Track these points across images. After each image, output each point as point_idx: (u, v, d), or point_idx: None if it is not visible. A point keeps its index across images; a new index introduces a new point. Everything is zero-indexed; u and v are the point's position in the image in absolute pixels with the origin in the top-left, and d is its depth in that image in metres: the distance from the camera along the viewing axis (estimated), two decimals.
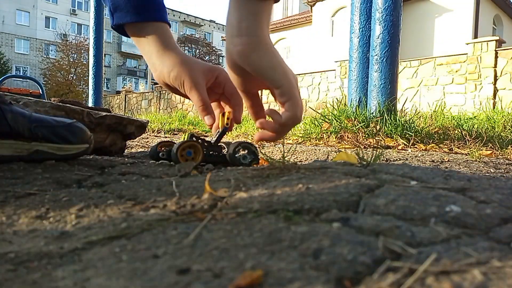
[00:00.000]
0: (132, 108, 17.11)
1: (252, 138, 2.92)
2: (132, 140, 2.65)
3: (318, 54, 16.45)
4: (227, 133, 0.92)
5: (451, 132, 2.29)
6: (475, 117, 3.06)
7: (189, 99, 0.83)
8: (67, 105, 1.09)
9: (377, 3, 2.42)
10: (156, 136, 3.82)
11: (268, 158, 0.82)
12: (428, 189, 0.55)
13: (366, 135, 2.15)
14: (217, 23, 44.94)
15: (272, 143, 2.51)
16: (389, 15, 2.38)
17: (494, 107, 4.12)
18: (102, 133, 1.14)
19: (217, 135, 0.90)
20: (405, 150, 1.91)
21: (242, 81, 0.74)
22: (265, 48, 0.69)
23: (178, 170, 0.78)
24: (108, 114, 1.16)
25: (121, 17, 0.80)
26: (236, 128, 3.95)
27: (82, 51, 29.01)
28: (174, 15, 41.12)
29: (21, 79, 29.56)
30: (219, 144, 0.93)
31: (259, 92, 0.82)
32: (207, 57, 36.22)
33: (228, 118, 0.87)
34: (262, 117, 0.78)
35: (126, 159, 1.04)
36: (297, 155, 1.58)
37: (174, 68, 0.80)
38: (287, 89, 0.70)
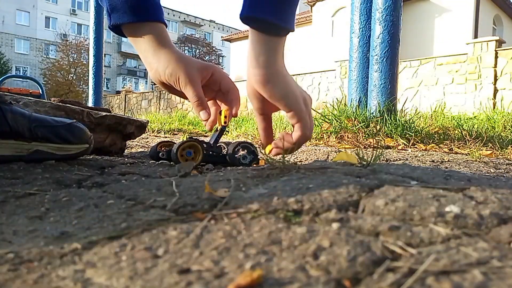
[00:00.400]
0: (132, 108, 17.11)
1: (252, 138, 2.91)
2: (132, 140, 2.65)
3: (318, 54, 16.45)
4: (225, 132, 0.93)
5: (451, 132, 2.29)
6: (475, 117, 3.06)
7: (186, 98, 0.85)
8: (67, 105, 1.09)
9: (377, 3, 2.42)
10: (156, 136, 3.82)
11: (268, 158, 0.82)
12: (428, 189, 0.55)
13: (366, 135, 2.15)
14: (217, 23, 44.94)
15: None
16: (389, 15, 2.38)
17: (494, 107, 4.12)
18: (102, 133, 1.14)
19: (216, 135, 0.90)
20: (405, 150, 1.91)
21: (260, 104, 0.84)
22: (279, 78, 0.79)
23: (178, 170, 0.78)
24: (108, 114, 1.16)
25: (118, 18, 0.81)
26: (236, 128, 3.95)
27: (82, 51, 29.01)
28: (174, 15, 41.12)
29: (21, 79, 29.56)
30: (219, 144, 0.93)
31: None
32: (207, 57, 36.21)
33: (225, 117, 0.87)
34: (272, 140, 0.88)
35: (126, 159, 1.04)
36: (297, 155, 1.58)
37: (169, 65, 0.82)
38: (297, 113, 0.80)
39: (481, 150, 1.81)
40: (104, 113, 1.14)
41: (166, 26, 0.88)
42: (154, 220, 0.46)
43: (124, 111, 17.24)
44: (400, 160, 1.45)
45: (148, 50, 0.84)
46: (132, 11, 0.81)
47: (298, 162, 1.10)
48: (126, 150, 1.68)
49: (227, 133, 3.99)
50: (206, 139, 0.91)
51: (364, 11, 2.56)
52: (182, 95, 0.86)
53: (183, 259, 0.34)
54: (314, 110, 2.82)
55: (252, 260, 0.33)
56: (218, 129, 0.90)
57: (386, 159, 1.46)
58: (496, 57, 8.21)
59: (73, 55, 29.71)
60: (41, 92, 6.33)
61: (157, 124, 4.75)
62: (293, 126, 0.82)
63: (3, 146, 0.83)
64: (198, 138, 0.90)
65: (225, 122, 0.87)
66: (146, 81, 34.85)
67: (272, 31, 0.74)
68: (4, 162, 0.82)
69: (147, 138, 3.19)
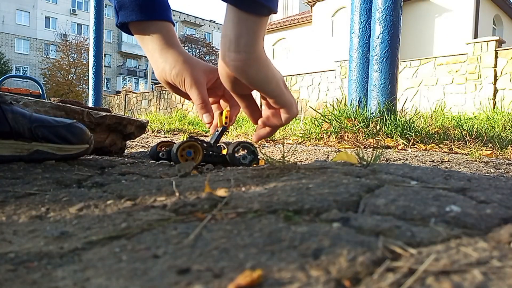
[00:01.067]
0: (132, 108, 17.11)
1: (252, 138, 2.91)
2: (132, 140, 2.65)
3: (318, 54, 16.45)
4: (226, 132, 0.93)
5: (451, 132, 2.29)
6: (475, 117, 3.06)
7: (189, 99, 0.84)
8: (67, 105, 1.09)
9: (377, 3, 2.42)
10: (156, 136, 3.82)
11: (268, 158, 0.82)
12: (428, 189, 0.55)
13: (366, 135, 2.15)
14: (217, 23, 44.93)
15: (272, 143, 2.51)
16: (389, 15, 2.38)
17: (494, 107, 4.12)
18: (102, 133, 1.14)
19: (216, 135, 0.90)
20: (405, 150, 1.91)
21: (234, 86, 0.77)
22: (261, 63, 0.73)
23: (178, 170, 0.78)
24: (108, 114, 1.16)
25: (126, 16, 0.81)
26: (236, 128, 3.95)
27: (82, 51, 29.00)
28: (174, 15, 41.05)
29: (21, 79, 29.56)
30: (219, 144, 0.93)
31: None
32: (207, 57, 36.19)
33: (226, 117, 0.87)
34: (259, 116, 0.82)
35: (126, 159, 1.04)
36: (297, 155, 1.58)
37: (176, 66, 0.81)
38: (280, 98, 0.76)
39: (481, 150, 1.81)
40: (104, 113, 1.15)
41: (174, 26, 0.88)
42: (154, 220, 0.46)
43: (124, 111, 17.24)
44: (400, 160, 1.45)
45: (155, 49, 0.83)
46: (140, 9, 0.81)
47: (298, 162, 1.10)
48: (126, 150, 1.67)
49: (227, 133, 3.99)
50: (206, 139, 0.91)
51: (364, 11, 2.56)
52: (186, 96, 0.85)
53: (183, 259, 0.34)
54: (314, 110, 2.82)
55: (252, 260, 0.33)
56: (219, 129, 0.90)
57: (386, 159, 1.46)
58: (496, 57, 8.20)
59: (73, 55, 29.70)
60: (41, 92, 6.33)
61: (157, 124, 4.75)
62: (276, 110, 0.78)
63: (3, 146, 0.83)
64: (198, 138, 0.90)
65: (226, 123, 0.87)
66: (146, 81, 34.82)
67: (254, 9, 0.67)
68: (4, 162, 0.82)
69: (147, 138, 3.19)
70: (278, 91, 0.76)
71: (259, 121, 0.80)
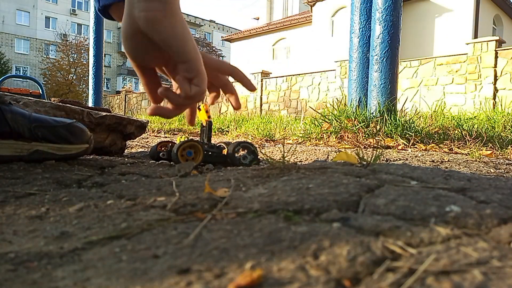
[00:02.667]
0: (132, 108, 17.10)
1: (252, 138, 2.91)
2: (132, 140, 2.65)
3: (318, 54, 16.45)
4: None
5: (451, 132, 2.29)
6: (475, 117, 3.06)
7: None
8: (67, 105, 1.09)
9: (377, 3, 2.42)
10: (156, 136, 3.82)
11: (268, 158, 0.82)
12: (428, 189, 0.55)
13: (366, 135, 2.15)
14: (217, 23, 44.93)
15: (272, 143, 2.51)
16: (389, 15, 2.38)
17: (494, 107, 4.12)
18: (102, 133, 1.14)
19: (205, 132, 0.90)
20: (405, 150, 1.91)
21: (140, 54, 0.66)
22: (178, 16, 0.63)
23: (178, 170, 0.78)
24: (108, 114, 1.16)
25: None
26: (236, 128, 3.94)
27: (82, 51, 28.99)
28: None
29: (21, 79, 29.56)
30: (219, 144, 0.93)
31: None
32: None
33: (207, 112, 0.87)
34: (159, 98, 0.69)
35: (126, 159, 1.04)
36: (297, 155, 1.58)
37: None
38: (195, 64, 0.65)
39: (481, 150, 1.81)
40: (104, 113, 1.14)
41: None
42: (154, 220, 0.46)
43: (124, 111, 17.24)
44: (400, 160, 1.45)
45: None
46: None
47: (298, 162, 1.10)
48: (126, 150, 1.67)
49: (227, 133, 3.99)
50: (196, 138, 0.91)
51: (364, 11, 2.56)
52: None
53: (183, 259, 0.34)
54: (314, 110, 2.82)
55: (252, 260, 0.33)
56: (205, 125, 0.89)
57: (386, 159, 1.46)
58: (496, 57, 8.20)
59: (73, 55, 29.68)
60: (41, 92, 6.33)
61: (157, 124, 4.75)
62: (187, 81, 0.65)
63: (3, 146, 0.83)
64: (192, 138, 0.90)
65: (209, 117, 0.87)
66: None
67: None
68: (4, 162, 0.82)
69: (147, 138, 3.19)
70: (194, 54, 0.65)
71: (159, 90, 0.65)
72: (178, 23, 0.63)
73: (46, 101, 1.07)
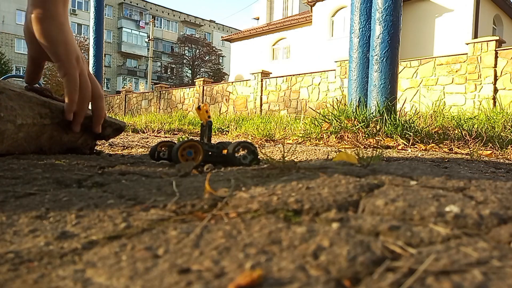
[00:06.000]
0: (132, 108, 17.11)
1: (252, 138, 2.91)
2: (132, 140, 2.65)
3: (318, 54, 16.45)
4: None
5: (451, 132, 2.29)
6: (475, 117, 3.06)
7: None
8: (53, 102, 1.03)
9: (377, 3, 2.42)
10: (156, 136, 3.82)
11: (268, 158, 0.82)
12: (428, 189, 0.55)
13: (366, 135, 2.15)
14: (217, 23, 44.93)
15: (272, 143, 2.51)
16: (389, 15, 2.38)
17: (494, 107, 4.12)
18: (77, 133, 1.07)
19: (206, 132, 0.90)
20: (405, 150, 1.91)
21: (34, 48, 0.82)
22: (55, 23, 0.79)
23: (178, 170, 0.78)
24: (89, 114, 1.10)
25: None
26: (236, 128, 3.94)
27: (82, 51, 28.98)
28: (174, 15, 41.10)
29: (21, 79, 29.54)
30: (218, 144, 0.93)
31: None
32: (207, 57, 36.18)
33: (207, 112, 0.87)
34: (36, 81, 0.92)
35: (126, 159, 1.04)
36: (297, 155, 1.58)
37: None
38: (64, 65, 0.81)
39: (481, 150, 1.81)
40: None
41: None
42: (154, 220, 0.46)
43: (125, 111, 17.24)
44: (400, 160, 1.45)
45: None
46: None
47: (298, 162, 1.10)
48: (126, 150, 1.68)
49: (227, 133, 3.99)
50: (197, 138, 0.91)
51: (364, 11, 2.56)
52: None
53: (183, 259, 0.34)
54: (314, 110, 2.82)
55: (252, 260, 0.33)
56: (205, 125, 0.89)
57: (386, 159, 1.46)
58: (496, 57, 8.20)
59: None
60: None
61: (157, 124, 4.75)
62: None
63: None
64: (192, 138, 0.90)
65: (209, 117, 0.87)
66: (146, 81, 34.81)
67: None
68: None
69: (147, 138, 3.19)
70: (64, 57, 0.81)
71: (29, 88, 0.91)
72: (53, 29, 0.79)
73: (32, 95, 1.01)
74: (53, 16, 0.79)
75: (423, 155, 1.66)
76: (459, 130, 2.28)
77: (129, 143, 2.32)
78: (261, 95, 12.13)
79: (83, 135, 1.10)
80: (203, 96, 13.66)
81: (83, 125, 1.07)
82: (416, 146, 2.03)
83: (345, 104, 2.65)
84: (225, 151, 0.91)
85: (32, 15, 0.77)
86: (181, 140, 0.88)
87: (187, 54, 36.69)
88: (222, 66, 38.06)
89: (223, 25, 45.77)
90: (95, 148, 1.22)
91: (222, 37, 26.16)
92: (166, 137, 3.66)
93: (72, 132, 1.04)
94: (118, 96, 18.50)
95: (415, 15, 13.81)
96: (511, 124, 2.64)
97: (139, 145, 2.13)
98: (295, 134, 2.56)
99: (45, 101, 0.99)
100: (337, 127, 2.29)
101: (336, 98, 2.79)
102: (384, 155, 1.55)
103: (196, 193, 0.57)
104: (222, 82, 15.31)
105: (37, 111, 0.97)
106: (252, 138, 2.92)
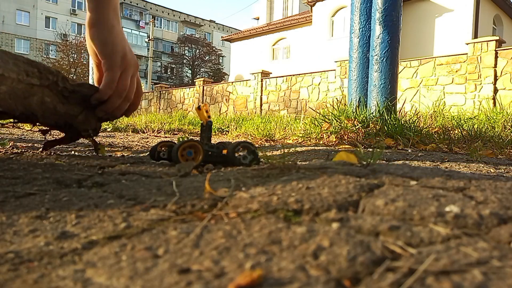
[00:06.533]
0: None
1: (252, 138, 2.91)
2: (132, 140, 2.65)
3: (318, 54, 16.45)
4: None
5: (451, 132, 2.29)
6: (475, 117, 3.06)
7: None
8: (42, 63, 0.99)
9: (377, 3, 2.42)
10: (156, 136, 3.82)
11: (268, 158, 0.82)
12: (428, 189, 0.55)
13: (366, 135, 2.15)
14: (217, 23, 44.93)
15: (272, 143, 2.51)
16: (389, 15, 2.38)
17: (494, 107, 4.12)
18: (76, 106, 1.00)
19: (206, 132, 0.90)
20: (405, 150, 1.91)
21: (94, 56, 0.95)
22: (105, 26, 0.91)
23: (178, 170, 0.78)
24: (87, 83, 1.02)
25: None
26: (236, 128, 3.94)
27: (82, 51, 28.97)
28: (174, 15, 41.11)
29: None
30: (218, 144, 0.93)
31: None
32: (207, 57, 36.18)
33: (207, 112, 0.88)
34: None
35: (126, 159, 1.04)
36: (297, 155, 1.58)
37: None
38: (107, 62, 0.92)
39: (481, 150, 1.81)
40: (82, 82, 1.01)
41: None
42: (154, 220, 0.46)
43: None
44: (400, 160, 1.45)
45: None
46: None
47: (298, 162, 1.10)
48: (126, 150, 1.68)
49: (227, 133, 3.99)
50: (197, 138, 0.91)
51: (364, 11, 2.56)
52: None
53: (183, 259, 0.34)
54: (314, 110, 2.81)
55: (252, 260, 0.33)
56: (205, 125, 0.89)
57: (386, 159, 1.46)
58: (496, 57, 8.19)
59: (73, 55, 29.66)
60: None
61: (157, 124, 4.75)
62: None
63: None
64: (192, 138, 0.90)
65: (209, 117, 0.88)
66: (146, 81, 34.80)
67: None
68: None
69: (147, 138, 3.19)
70: (110, 56, 0.91)
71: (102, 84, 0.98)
72: (102, 31, 0.91)
73: (19, 55, 0.96)
74: (104, 20, 0.90)
75: (423, 155, 1.66)
76: (459, 130, 2.28)
77: (129, 143, 2.32)
78: (261, 95, 12.12)
79: (84, 110, 1.02)
80: (203, 96, 13.66)
81: (84, 100, 0.99)
82: (416, 146, 2.03)
83: (345, 104, 2.65)
84: (225, 151, 0.91)
85: (86, 21, 0.91)
86: (181, 140, 0.88)
87: (187, 54, 36.68)
88: (222, 66, 38.07)
89: (223, 25, 45.77)
90: (99, 134, 1.19)
91: (222, 37, 26.15)
92: (166, 137, 3.66)
93: (69, 104, 0.97)
94: None
95: (415, 15, 13.81)
96: (511, 124, 2.64)
97: (139, 145, 2.13)
98: (295, 134, 2.56)
99: (33, 60, 0.94)
100: (337, 127, 2.29)
101: (336, 98, 2.79)
102: (384, 155, 1.55)
103: (196, 193, 0.57)
104: (222, 82, 15.30)
105: (23, 69, 0.91)
106: (252, 138, 2.92)
